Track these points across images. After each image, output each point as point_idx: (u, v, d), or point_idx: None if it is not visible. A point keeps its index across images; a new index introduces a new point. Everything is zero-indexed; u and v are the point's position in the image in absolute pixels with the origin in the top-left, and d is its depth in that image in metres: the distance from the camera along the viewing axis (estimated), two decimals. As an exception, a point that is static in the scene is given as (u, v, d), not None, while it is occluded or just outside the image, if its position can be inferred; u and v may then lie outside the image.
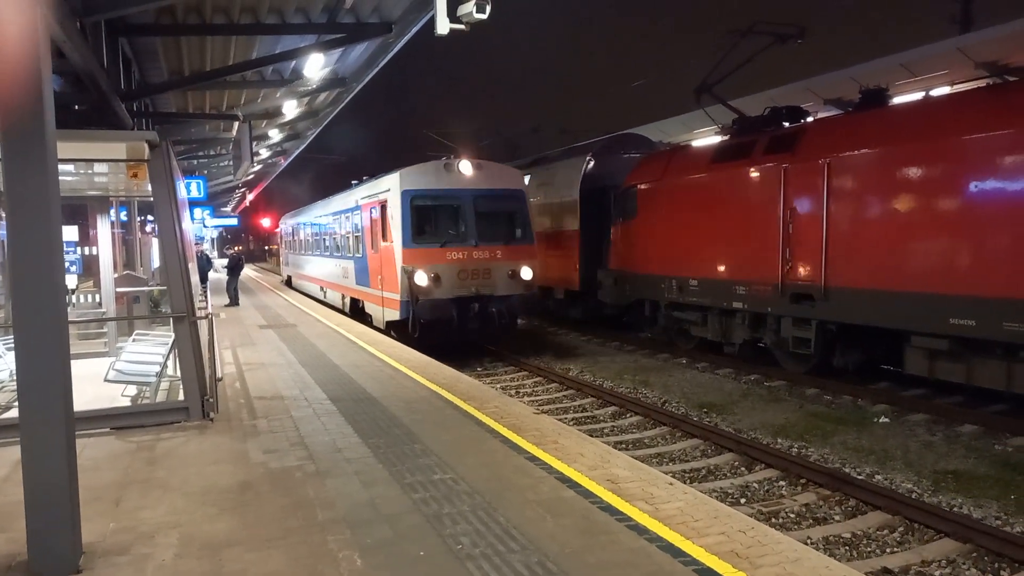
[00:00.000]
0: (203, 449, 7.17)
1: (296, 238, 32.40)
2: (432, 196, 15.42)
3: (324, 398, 9.36)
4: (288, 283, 35.55)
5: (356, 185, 20.36)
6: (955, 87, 12.37)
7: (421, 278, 14.63)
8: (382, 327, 16.35)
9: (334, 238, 22.46)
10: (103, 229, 13.45)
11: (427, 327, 14.80)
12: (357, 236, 18.96)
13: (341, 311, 21.10)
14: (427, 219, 15.56)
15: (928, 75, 17.86)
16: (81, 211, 17.79)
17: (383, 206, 16.14)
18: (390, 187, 15.69)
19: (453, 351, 15.37)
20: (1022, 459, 8.70)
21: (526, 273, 15.66)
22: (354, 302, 19.90)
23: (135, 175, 8.67)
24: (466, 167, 15.71)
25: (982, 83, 11.58)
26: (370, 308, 17.83)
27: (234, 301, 23.56)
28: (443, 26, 9.01)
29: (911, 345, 10.81)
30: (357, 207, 18.93)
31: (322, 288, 25.09)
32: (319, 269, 25.55)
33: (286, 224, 37.17)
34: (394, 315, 15.34)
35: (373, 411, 8.58)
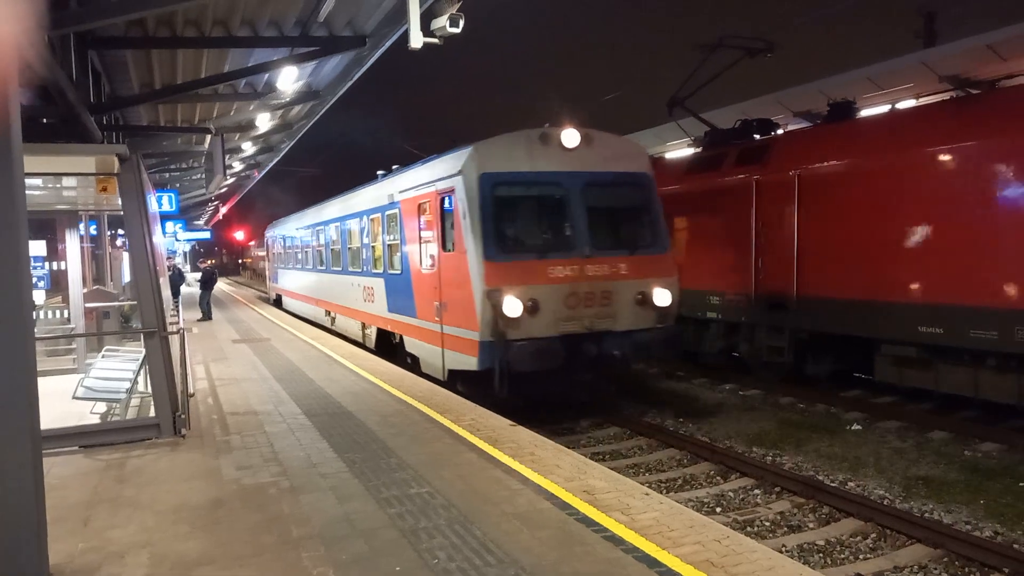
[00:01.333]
0: (174, 466, 7.06)
1: (289, 249, 26.84)
2: (524, 182, 10.63)
3: (299, 413, 9.27)
4: (277, 303, 30.41)
5: (385, 176, 15.36)
6: (920, 100, 12.64)
7: (513, 306, 9.82)
8: (439, 377, 11.45)
9: (351, 248, 17.41)
10: (72, 243, 13.27)
11: (521, 382, 9.98)
12: (392, 244, 13.82)
13: (360, 344, 16.36)
14: (517, 217, 10.91)
15: (894, 88, 18.23)
16: (49, 225, 17.53)
17: (445, 199, 11.17)
18: (459, 169, 10.61)
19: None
20: (991, 464, 8.85)
21: (661, 297, 10.69)
22: (384, 336, 14.84)
23: (105, 189, 8.56)
24: (571, 138, 10.78)
25: (946, 96, 11.87)
26: (417, 348, 12.62)
27: (207, 315, 23.31)
28: (417, 40, 9.03)
29: (881, 353, 10.98)
30: (393, 204, 13.76)
31: (329, 313, 20.15)
32: (325, 288, 20.41)
33: (275, 233, 31.24)
34: (466, 362, 10.45)
35: (348, 425, 8.52)
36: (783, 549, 6.62)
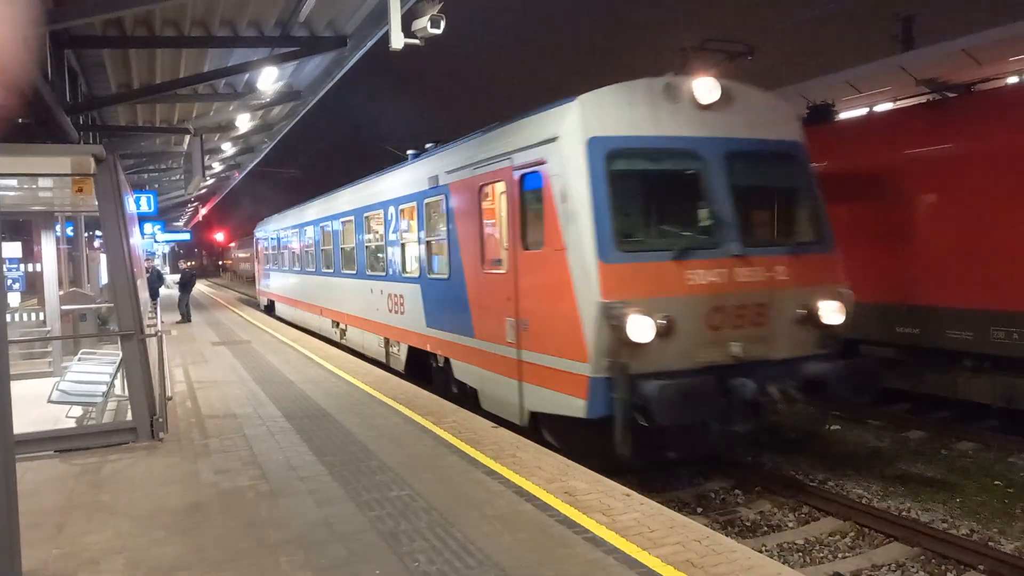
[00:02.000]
0: (151, 470, 6.98)
1: (285, 249, 23.68)
2: (649, 152, 7.81)
3: (278, 415, 9.20)
4: (268, 310, 27.47)
5: (419, 156, 12.54)
6: (898, 103, 12.79)
7: (641, 328, 7.06)
8: (514, 419, 8.73)
9: (369, 247, 14.50)
10: (48, 245, 13.10)
11: (653, 437, 7.22)
12: (435, 241, 11.08)
13: (381, 364, 13.72)
14: (641, 201, 8.20)
15: (872, 91, 18.44)
16: (25, 226, 17.29)
17: (527, 177, 8.38)
18: (555, 134, 7.85)
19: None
20: (967, 464, 8.96)
21: (831, 313, 7.96)
22: (417, 356, 12.17)
23: (81, 190, 8.47)
24: (708, 91, 8.01)
25: (923, 99, 12.00)
26: (474, 377, 9.83)
27: (186, 318, 23.09)
28: (397, 41, 9.03)
29: (859, 354, 11.08)
30: (437, 189, 10.80)
31: (338, 324, 17.34)
32: (332, 295, 17.49)
33: (267, 230, 27.72)
34: (565, 405, 7.66)
35: (329, 428, 8.47)
36: (763, 549, 6.65)
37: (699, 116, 7.96)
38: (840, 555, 6.62)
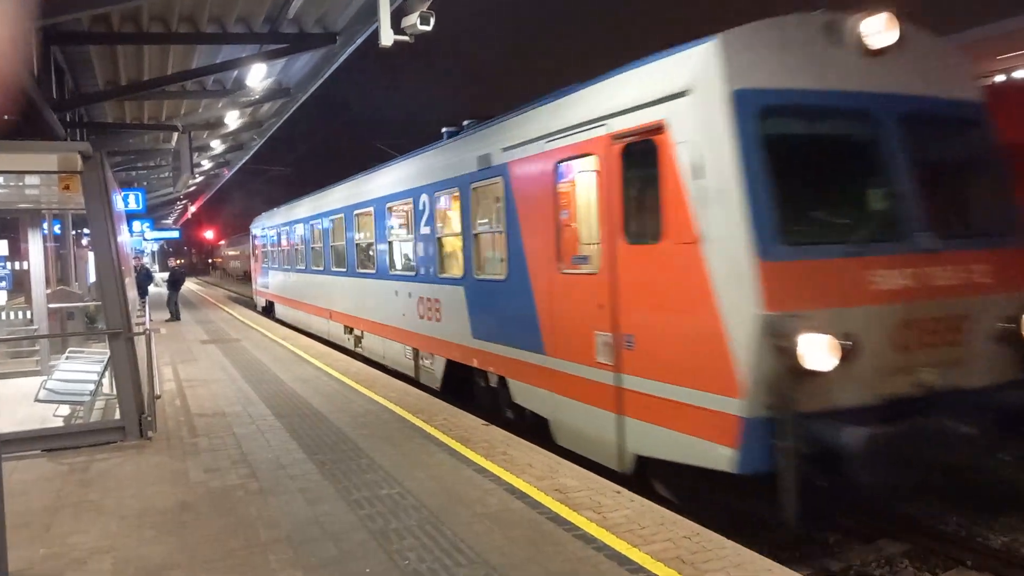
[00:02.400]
0: (140, 469, 6.94)
1: (287, 246, 21.58)
2: (814, 113, 6.03)
3: (268, 414, 9.17)
4: (268, 312, 25.46)
5: (458, 134, 10.84)
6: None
7: (819, 351, 5.26)
8: (609, 464, 6.92)
9: (393, 242, 12.81)
10: (35, 243, 13.00)
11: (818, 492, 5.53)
12: (487, 233, 9.41)
13: (408, 379, 11.81)
14: (805, 178, 6.14)
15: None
16: (12, 224, 17.18)
17: (633, 147, 6.53)
18: (684, 87, 5.96)
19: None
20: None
21: None
22: (457, 371, 10.38)
23: (67, 187, 8.41)
24: (879, 32, 6.01)
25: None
26: (546, 405, 8.01)
27: (175, 316, 23.00)
28: (387, 38, 9.00)
29: None
30: (489, 170, 9.07)
31: (352, 330, 15.55)
32: (345, 297, 15.66)
33: (266, 226, 25.53)
34: (706, 454, 5.76)
35: (319, 426, 8.44)
36: (753, 545, 6.67)
37: (869, 65, 6.10)
38: (830, 551, 6.64)
